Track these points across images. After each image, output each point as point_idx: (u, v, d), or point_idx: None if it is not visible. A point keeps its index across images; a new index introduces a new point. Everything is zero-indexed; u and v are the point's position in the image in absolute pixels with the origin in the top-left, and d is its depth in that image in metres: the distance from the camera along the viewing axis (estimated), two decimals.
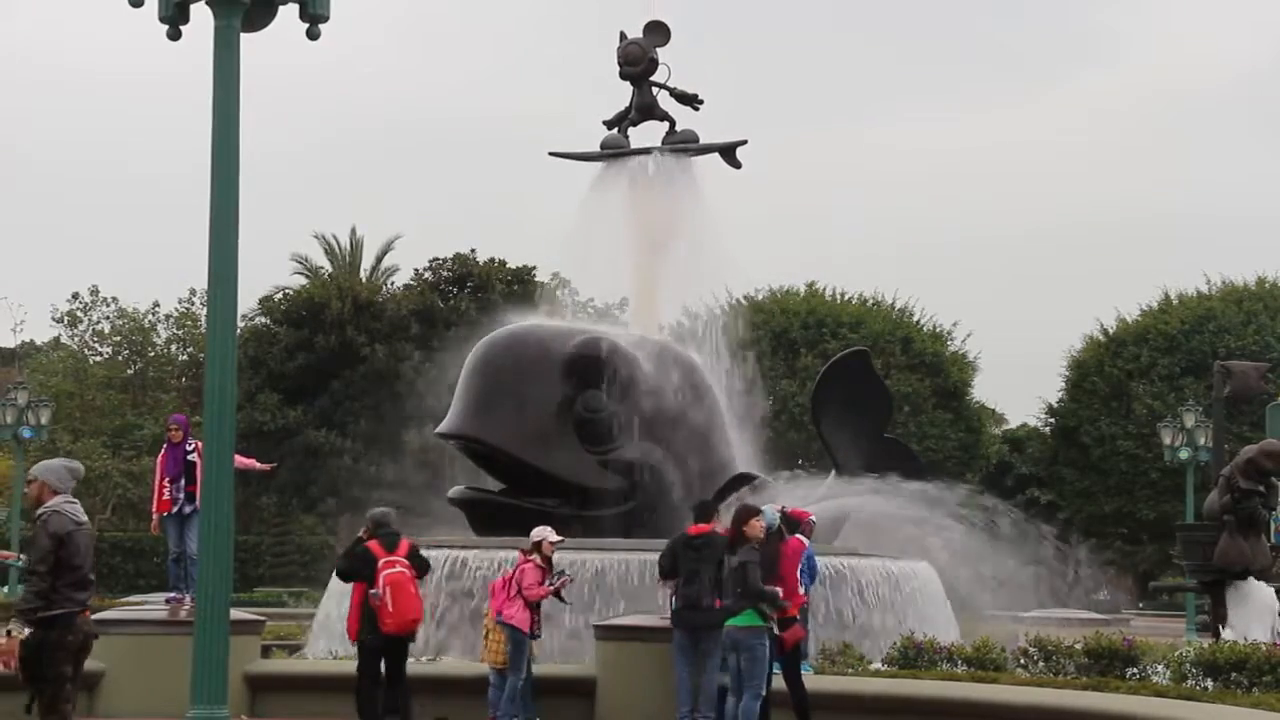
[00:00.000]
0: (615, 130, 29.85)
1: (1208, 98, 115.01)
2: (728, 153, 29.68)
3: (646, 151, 29.63)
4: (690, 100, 29.58)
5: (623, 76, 29.57)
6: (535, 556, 15.82)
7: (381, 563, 14.48)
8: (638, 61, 29.29)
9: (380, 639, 14.65)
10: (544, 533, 16.01)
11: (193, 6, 10.32)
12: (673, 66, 29.47)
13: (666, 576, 15.52)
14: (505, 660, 15.52)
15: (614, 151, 29.60)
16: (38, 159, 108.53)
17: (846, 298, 62.53)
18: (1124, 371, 59.17)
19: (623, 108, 29.86)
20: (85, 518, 10.61)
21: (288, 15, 10.43)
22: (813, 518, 17.32)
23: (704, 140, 29.64)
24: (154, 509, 17.85)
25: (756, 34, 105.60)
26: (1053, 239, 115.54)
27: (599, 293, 38.18)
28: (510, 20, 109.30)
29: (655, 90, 29.57)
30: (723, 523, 15.41)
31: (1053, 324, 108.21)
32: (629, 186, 29.23)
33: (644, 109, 29.64)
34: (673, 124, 29.74)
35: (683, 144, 29.59)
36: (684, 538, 15.27)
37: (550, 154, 30.58)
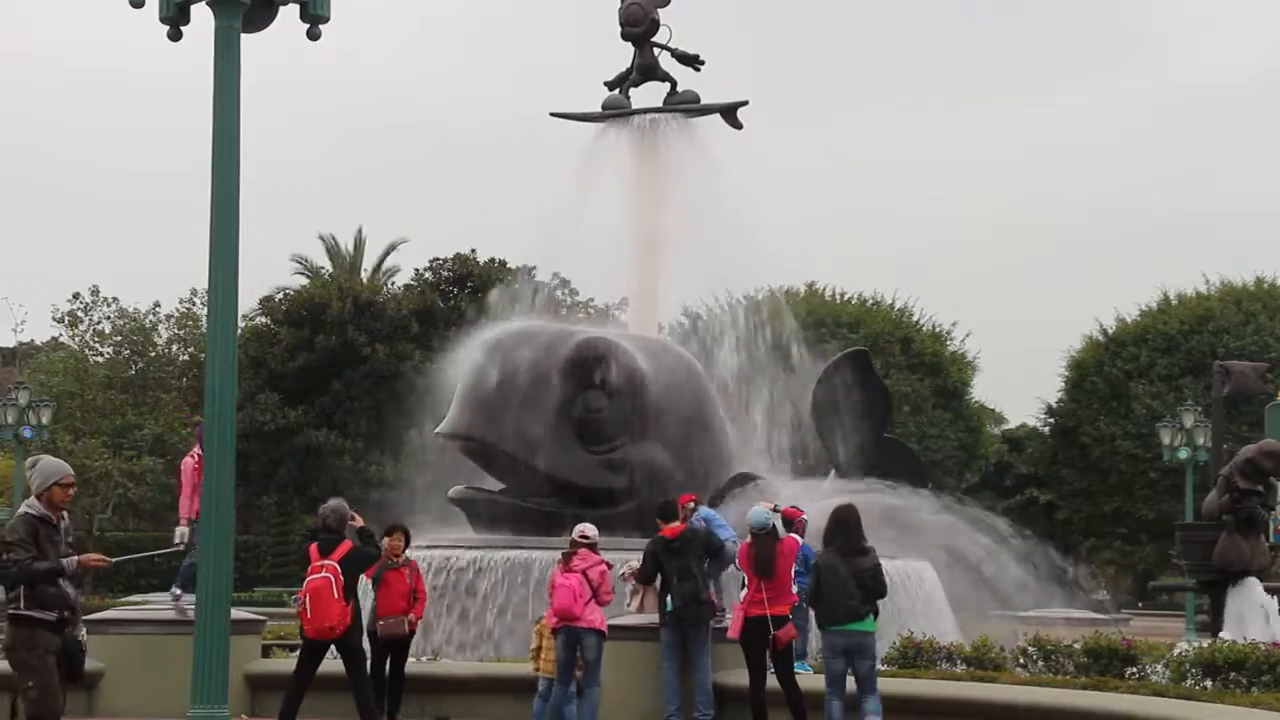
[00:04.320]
0: (617, 91, 29.91)
1: (1208, 98, 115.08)
2: (729, 113, 29.74)
3: (648, 112, 29.72)
4: (691, 61, 29.65)
5: (624, 37, 29.60)
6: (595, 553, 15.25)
7: (310, 568, 14.62)
8: (639, 22, 29.34)
9: (308, 642, 14.84)
10: (591, 529, 15.61)
11: (193, 7, 10.33)
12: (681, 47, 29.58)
13: (648, 581, 15.51)
14: (555, 669, 15.11)
15: (616, 112, 29.64)
16: (37, 158, 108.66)
17: (846, 298, 62.53)
18: (1123, 371, 59.18)
19: (624, 69, 29.91)
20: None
21: (289, 16, 10.44)
22: (805, 516, 17.33)
23: (705, 101, 29.78)
24: (184, 514, 16.72)
25: (755, 34, 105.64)
26: (1053, 239, 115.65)
27: (599, 276, 38.06)
28: (513, 22, 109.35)
29: (656, 51, 29.64)
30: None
31: (1052, 324, 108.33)
32: (631, 146, 29.33)
33: (645, 70, 29.71)
34: (674, 85, 29.81)
35: (684, 104, 29.68)
36: (662, 541, 15.22)
37: (551, 114, 30.60)
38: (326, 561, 14.55)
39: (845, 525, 14.10)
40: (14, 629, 10.40)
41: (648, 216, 29.09)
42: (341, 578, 14.53)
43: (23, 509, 10.60)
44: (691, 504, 17.45)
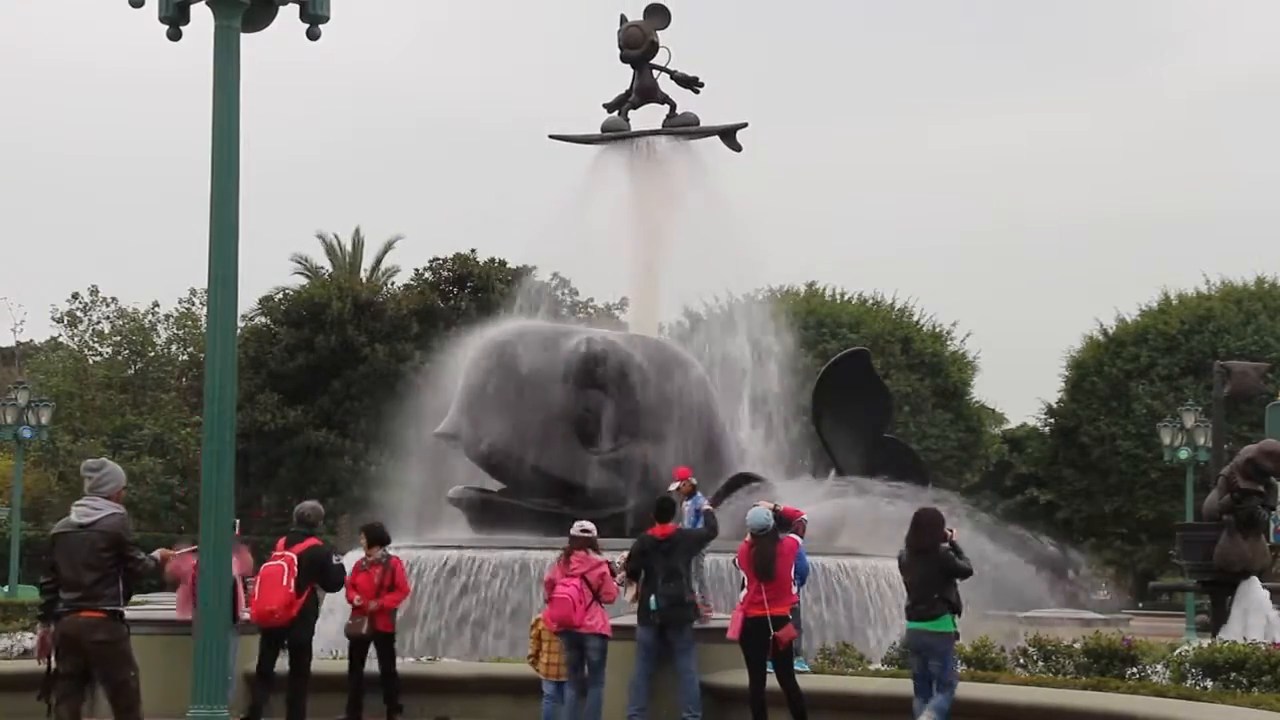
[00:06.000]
0: (615, 113, 29.88)
1: (1209, 99, 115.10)
2: (727, 135, 29.70)
3: (647, 134, 29.67)
4: (690, 83, 29.60)
5: (623, 59, 29.55)
6: (592, 554, 15.07)
7: (270, 556, 14.97)
8: (638, 44, 29.30)
9: (256, 628, 15.03)
10: (590, 525, 15.39)
11: (193, 7, 10.32)
12: (681, 69, 29.51)
13: (633, 577, 15.50)
14: (564, 673, 14.95)
15: (614, 134, 29.62)
16: (37, 158, 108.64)
17: (846, 298, 62.51)
18: (1124, 371, 59.15)
19: (623, 91, 29.86)
20: (90, 518, 10.74)
21: (289, 16, 10.43)
22: (804, 516, 17.33)
23: (704, 123, 29.71)
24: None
25: (757, 39, 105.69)
26: (1053, 239, 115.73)
27: (599, 281, 38.18)
28: (514, 23, 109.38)
29: (655, 73, 29.59)
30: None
31: (1053, 324, 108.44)
32: (630, 168, 29.30)
33: (644, 92, 29.66)
34: (673, 107, 29.76)
35: (683, 126, 29.63)
36: (652, 540, 15.20)
37: (551, 136, 30.61)
38: (285, 553, 14.88)
39: (916, 527, 14.11)
40: (119, 624, 10.72)
41: (648, 218, 29.08)
42: (295, 569, 14.73)
43: (111, 508, 10.79)
44: (692, 480, 17.47)
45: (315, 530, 15.42)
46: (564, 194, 29.73)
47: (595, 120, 30.24)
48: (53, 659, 10.81)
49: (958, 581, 13.91)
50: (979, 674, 16.01)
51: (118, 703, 10.69)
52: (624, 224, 29.34)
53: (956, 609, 13.87)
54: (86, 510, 10.77)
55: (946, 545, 14.01)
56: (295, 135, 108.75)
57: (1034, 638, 17.30)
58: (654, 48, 29.45)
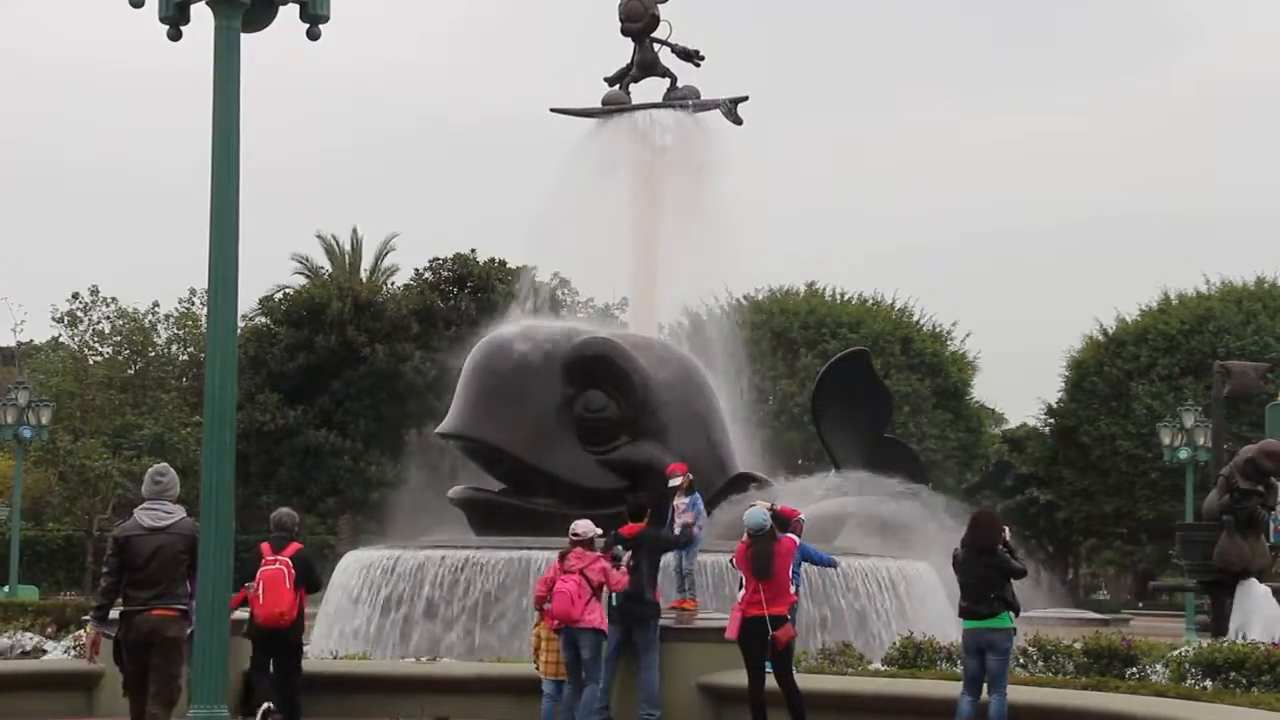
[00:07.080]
0: (617, 87, 29.85)
1: (1208, 99, 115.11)
2: (729, 109, 29.63)
3: (647, 107, 29.66)
4: (691, 56, 29.58)
5: (624, 33, 29.53)
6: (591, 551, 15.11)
7: (263, 560, 15.16)
8: (638, 18, 29.28)
9: (257, 631, 15.11)
10: (591, 526, 15.44)
11: (193, 7, 10.31)
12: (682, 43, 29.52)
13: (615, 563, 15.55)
14: (563, 671, 14.97)
15: (616, 107, 29.57)
16: (37, 158, 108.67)
17: (846, 298, 62.50)
18: (1123, 371, 59.17)
19: (624, 64, 29.85)
20: (164, 521, 11.15)
21: (289, 16, 10.42)
22: (802, 516, 17.33)
23: (705, 97, 29.70)
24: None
25: (755, 32, 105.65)
26: (1052, 239, 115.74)
27: (597, 260, 38.10)
28: (514, 22, 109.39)
29: (656, 47, 29.58)
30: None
31: (1053, 324, 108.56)
32: (630, 142, 29.27)
33: (645, 66, 29.65)
34: (674, 80, 29.73)
35: (684, 100, 29.61)
36: (616, 538, 15.27)
37: (551, 110, 30.54)
38: (279, 556, 15.11)
39: (975, 527, 14.11)
40: (188, 622, 10.97)
41: (648, 216, 29.07)
42: (294, 571, 14.96)
43: (182, 511, 11.24)
44: (682, 477, 17.46)
45: (296, 535, 15.62)
46: (564, 171, 29.61)
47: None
48: (123, 658, 11.12)
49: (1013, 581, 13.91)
50: None
51: (162, 696, 11.00)
52: (624, 206, 29.28)
53: (1014, 608, 13.85)
54: (159, 514, 11.18)
55: (1003, 546, 14.01)
56: (295, 135, 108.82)
57: (1034, 638, 17.29)
58: (654, 21, 29.44)
